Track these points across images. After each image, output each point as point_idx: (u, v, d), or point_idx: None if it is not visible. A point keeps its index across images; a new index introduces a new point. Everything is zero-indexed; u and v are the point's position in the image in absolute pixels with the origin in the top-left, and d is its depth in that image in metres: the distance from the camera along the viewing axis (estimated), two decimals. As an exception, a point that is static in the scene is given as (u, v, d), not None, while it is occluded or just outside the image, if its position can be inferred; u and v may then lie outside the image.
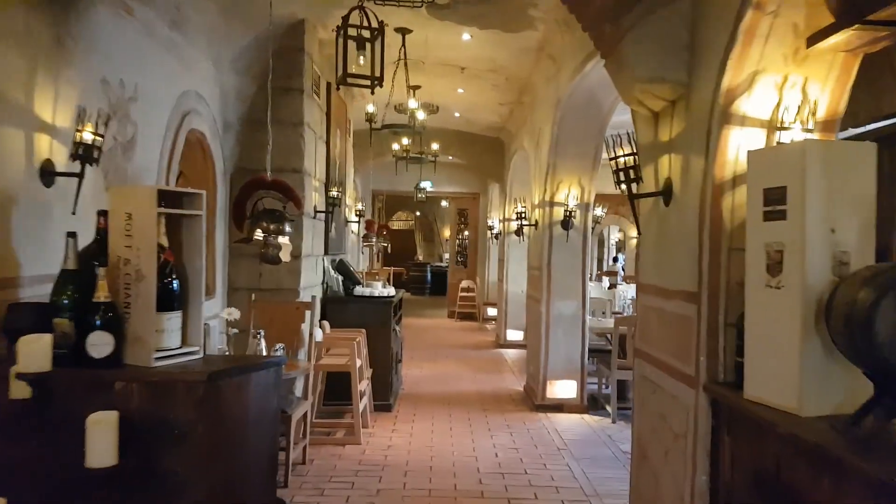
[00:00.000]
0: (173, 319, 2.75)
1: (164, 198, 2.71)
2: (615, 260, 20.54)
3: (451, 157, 13.39)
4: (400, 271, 21.77)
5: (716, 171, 2.59)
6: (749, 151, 2.35)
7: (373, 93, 3.06)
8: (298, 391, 5.19)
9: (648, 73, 2.87)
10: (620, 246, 23.78)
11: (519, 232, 10.43)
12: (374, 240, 9.90)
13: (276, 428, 3.05)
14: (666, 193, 3.00)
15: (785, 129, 2.51)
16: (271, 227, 3.84)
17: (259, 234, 3.84)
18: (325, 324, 5.88)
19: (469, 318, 14.09)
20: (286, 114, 5.33)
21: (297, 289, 5.27)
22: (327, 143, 6.06)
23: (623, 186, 3.15)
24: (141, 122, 4.00)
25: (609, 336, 6.73)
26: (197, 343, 2.89)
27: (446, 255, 19.84)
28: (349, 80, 2.95)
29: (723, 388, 2.48)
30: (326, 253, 6.18)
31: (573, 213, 6.27)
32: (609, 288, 11.06)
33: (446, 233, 20.29)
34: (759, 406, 2.17)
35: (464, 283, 14.06)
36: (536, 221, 6.95)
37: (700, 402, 2.58)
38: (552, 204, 6.41)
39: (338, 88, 3.93)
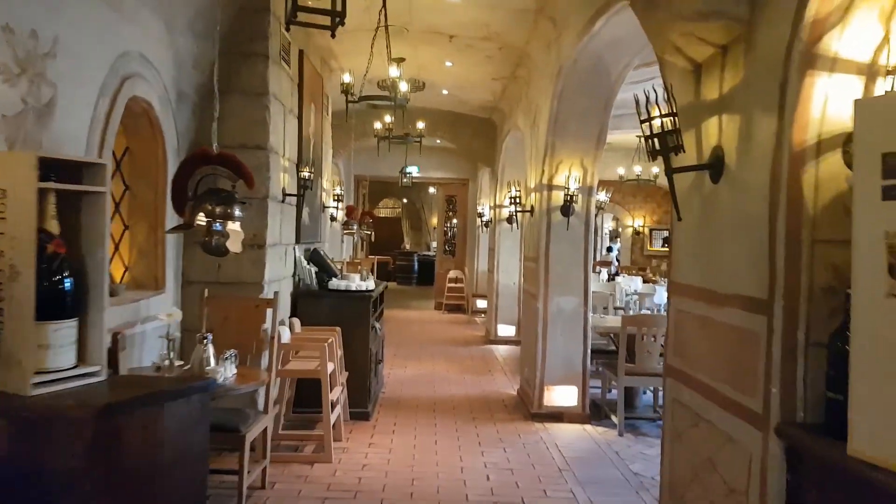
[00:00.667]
0: (63, 331, 2.06)
1: (54, 169, 1.99)
2: (609, 250, 19.96)
3: (438, 141, 12.66)
4: (386, 260, 21.08)
5: (795, 135, 1.90)
6: (857, 102, 1.66)
7: (333, 35, 2.34)
8: (260, 403, 4.49)
9: (697, 7, 2.17)
10: (614, 235, 23.23)
11: (511, 220, 9.75)
12: (355, 227, 9.16)
13: (203, 469, 2.35)
14: (714, 167, 2.31)
15: (893, 73, 1.83)
16: (217, 210, 3.11)
17: (202, 220, 3.12)
18: (295, 322, 5.18)
19: (457, 311, 13.43)
20: (248, 82, 4.59)
21: (261, 282, 4.56)
22: (299, 118, 5.32)
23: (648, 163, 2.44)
24: (63, 83, 3.24)
25: (614, 336, 6.08)
26: (98, 361, 2.19)
27: (434, 244, 19.15)
28: (300, 14, 2.22)
29: (806, 434, 1.81)
30: (298, 242, 5.46)
31: (574, 198, 5.58)
32: (608, 280, 10.43)
33: (434, 221, 19.57)
34: (876, 470, 1.50)
35: (452, 274, 13.39)
36: (532, 207, 6.26)
37: (771, 449, 1.91)
38: (551, 187, 5.72)
39: (287, 29, 3.19)
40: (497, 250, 9.79)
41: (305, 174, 4.92)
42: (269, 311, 4.06)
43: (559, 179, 5.68)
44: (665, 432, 2.79)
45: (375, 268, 11.50)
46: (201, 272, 4.52)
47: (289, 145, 5.04)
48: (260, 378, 3.49)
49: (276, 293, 4.12)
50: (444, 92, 8.51)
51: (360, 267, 10.12)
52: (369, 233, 11.18)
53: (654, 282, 10.68)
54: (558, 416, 5.79)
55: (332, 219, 12.73)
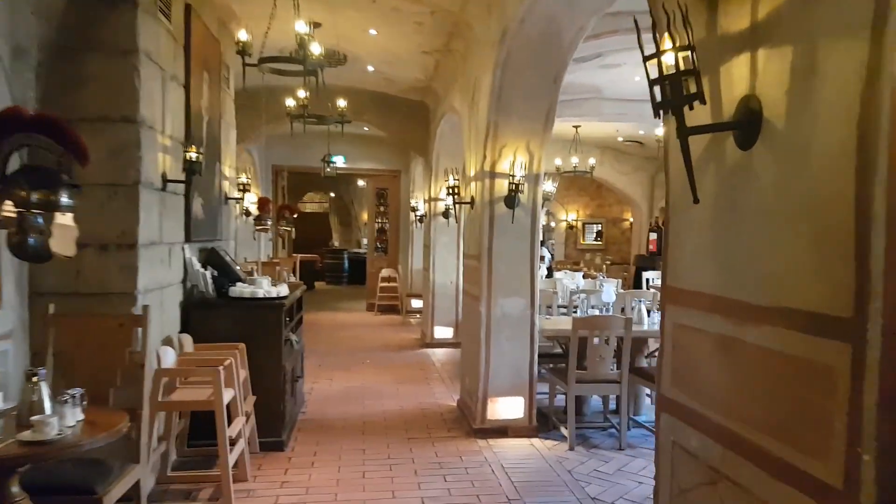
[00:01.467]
0: None
1: None
2: (541, 244, 19.60)
3: (366, 128, 11.77)
4: (313, 259, 19.95)
5: (901, 64, 1.21)
6: None
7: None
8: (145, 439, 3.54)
9: None
10: (547, 229, 22.90)
11: (447, 214, 9.02)
12: (269, 223, 8.18)
13: None
14: (746, 126, 1.60)
15: None
16: (34, 196, 2.20)
17: (11, 210, 2.19)
18: (185, 340, 4.23)
19: (391, 312, 12.59)
20: (113, 36, 3.60)
21: (133, 293, 3.59)
22: (186, 87, 4.35)
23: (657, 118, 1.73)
24: None
25: (561, 340, 5.42)
26: None
27: (365, 241, 18.19)
28: None
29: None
30: (189, 240, 4.49)
31: (520, 187, 4.88)
32: (546, 276, 9.86)
33: (365, 216, 18.60)
34: None
35: (384, 272, 12.53)
36: (472, 198, 5.52)
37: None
38: (493, 175, 4.99)
39: None
40: (432, 247, 9.02)
41: (193, 156, 3.97)
42: (138, 331, 3.14)
43: (503, 166, 4.97)
44: (659, 485, 2.09)
45: (298, 268, 10.53)
46: (55, 281, 3.52)
47: (172, 120, 4.07)
48: (117, 426, 2.58)
49: (145, 307, 3.19)
50: (370, 69, 7.65)
51: (278, 268, 9.15)
52: (289, 229, 10.20)
53: (593, 277, 10.22)
54: (503, 430, 5.10)
55: (247, 213, 11.65)
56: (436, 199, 8.94)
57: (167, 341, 3.96)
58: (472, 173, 5.47)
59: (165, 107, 3.98)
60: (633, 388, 5.27)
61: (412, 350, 8.81)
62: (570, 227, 16.83)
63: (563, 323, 5.30)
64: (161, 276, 3.96)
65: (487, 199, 5.01)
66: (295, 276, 10.39)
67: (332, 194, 20.28)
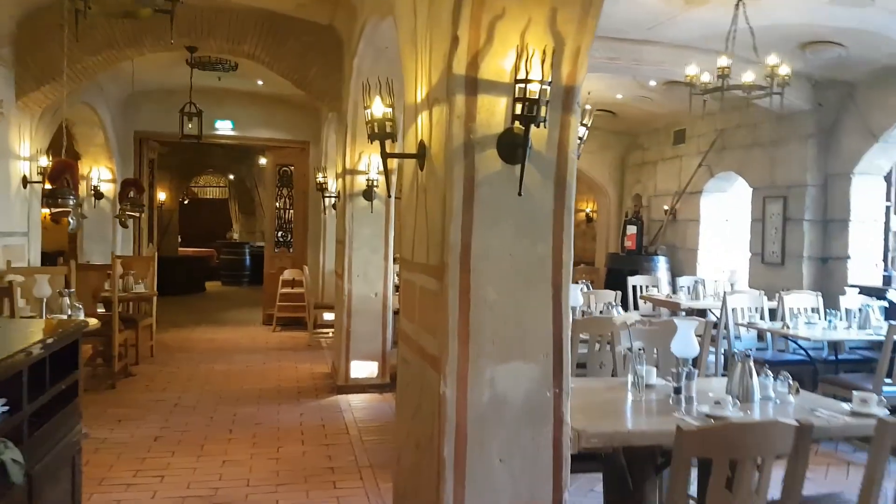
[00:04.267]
0: None
1: None
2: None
3: (260, 82, 8.70)
4: (208, 253, 16.52)
5: None
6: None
7: None
8: None
9: None
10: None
11: (370, 192, 6.16)
12: (72, 202, 5.03)
13: None
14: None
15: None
16: None
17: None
18: None
19: (295, 326, 9.57)
20: None
21: None
22: None
23: None
24: None
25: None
26: None
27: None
28: None
29: None
30: None
31: (537, 111, 2.13)
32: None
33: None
34: None
35: (287, 275, 9.48)
36: (423, 145, 2.70)
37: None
38: (476, 85, 2.21)
39: None
40: (348, 243, 6.10)
41: None
42: None
43: (499, 65, 2.19)
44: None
45: (155, 270, 7.36)
46: None
47: None
48: None
49: None
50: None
51: (130, 271, 6.03)
52: (137, 214, 7.03)
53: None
54: None
55: (97, 195, 8.33)
56: (353, 172, 6.05)
57: None
58: (423, 93, 2.63)
59: None
60: None
61: (317, 399, 5.88)
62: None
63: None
64: None
65: (461, 141, 2.21)
66: (148, 281, 7.22)
67: (232, 176, 16.85)
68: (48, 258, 7.89)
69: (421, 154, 2.64)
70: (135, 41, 5.54)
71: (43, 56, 5.30)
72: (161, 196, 14.22)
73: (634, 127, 10.24)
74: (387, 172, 2.78)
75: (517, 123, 2.12)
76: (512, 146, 2.20)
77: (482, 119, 2.22)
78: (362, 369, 6.13)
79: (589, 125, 3.33)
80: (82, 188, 8.70)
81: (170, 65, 7.33)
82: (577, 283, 7.44)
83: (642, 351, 3.10)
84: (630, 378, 2.80)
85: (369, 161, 5.96)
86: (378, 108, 2.58)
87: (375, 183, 5.95)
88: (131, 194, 6.83)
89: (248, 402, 5.68)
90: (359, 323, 6.12)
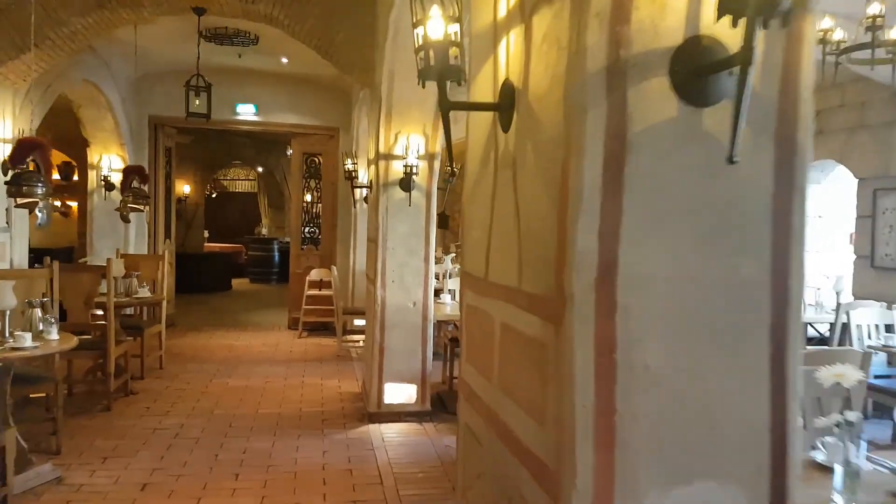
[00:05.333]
0: None
1: None
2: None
3: (284, 60, 7.77)
4: (237, 249, 15.78)
5: None
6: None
7: None
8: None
9: None
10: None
11: (407, 181, 5.15)
12: (40, 190, 4.11)
13: None
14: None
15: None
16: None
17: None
18: None
19: (322, 332, 8.66)
20: None
21: None
22: None
23: None
24: None
25: None
26: None
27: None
28: None
29: None
30: None
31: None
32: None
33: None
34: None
35: (314, 275, 8.56)
36: (508, 88, 1.67)
37: None
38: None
39: None
40: (381, 242, 5.09)
41: None
42: None
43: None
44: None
45: (165, 270, 6.46)
46: None
47: None
48: None
49: None
50: None
51: (127, 273, 5.16)
52: (140, 208, 6.16)
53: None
54: None
55: (107, 186, 7.52)
56: (388, 157, 5.04)
57: None
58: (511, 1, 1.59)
59: None
60: None
61: (344, 430, 4.89)
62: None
63: None
64: None
65: (601, 64, 1.16)
66: (160, 283, 6.35)
67: (261, 168, 16.06)
68: (59, 256, 7.09)
69: (506, 104, 1.59)
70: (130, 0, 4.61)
71: (20, 15, 4.41)
72: (185, 189, 13.48)
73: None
74: (449, 138, 1.73)
75: (723, 19, 1.05)
76: (704, 70, 1.14)
77: (643, 18, 1.16)
78: (398, 393, 5.13)
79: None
80: (91, 177, 7.91)
81: (181, 39, 6.43)
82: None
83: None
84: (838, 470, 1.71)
85: (407, 143, 4.94)
86: (436, 24, 1.54)
87: (415, 170, 4.93)
88: (134, 183, 5.96)
89: (262, 432, 4.73)
90: (394, 338, 5.12)
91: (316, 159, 9.12)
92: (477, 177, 1.92)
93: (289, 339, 8.40)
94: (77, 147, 7.76)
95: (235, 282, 14.03)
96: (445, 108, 1.63)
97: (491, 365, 1.72)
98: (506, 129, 1.65)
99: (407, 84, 4.70)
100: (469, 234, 2.01)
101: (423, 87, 1.67)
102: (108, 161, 7.76)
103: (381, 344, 5.10)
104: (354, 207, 8.38)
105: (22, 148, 3.93)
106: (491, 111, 1.74)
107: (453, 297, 6.12)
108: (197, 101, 5.30)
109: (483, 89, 1.83)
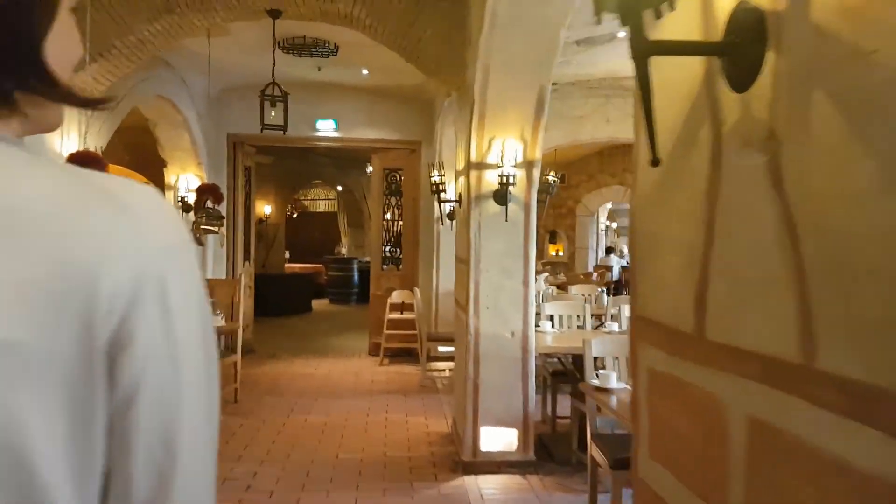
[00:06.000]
0: None
1: None
2: (609, 251, 14.84)
3: (365, 71, 7.36)
4: (317, 270, 15.63)
5: None
6: None
7: None
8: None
9: None
10: (612, 230, 18.23)
11: (503, 193, 4.50)
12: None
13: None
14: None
15: None
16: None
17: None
18: None
19: (405, 359, 8.10)
20: None
21: None
22: None
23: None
24: None
25: None
26: None
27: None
28: None
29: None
30: None
31: None
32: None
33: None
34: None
35: (395, 297, 8.03)
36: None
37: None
38: None
39: None
40: (473, 263, 4.44)
41: None
42: None
43: None
44: None
45: (242, 294, 6.08)
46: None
47: None
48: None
49: None
50: None
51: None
52: (215, 229, 5.80)
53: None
54: None
55: (184, 207, 7.29)
56: (481, 166, 4.40)
57: None
58: None
59: None
60: None
61: (436, 482, 4.22)
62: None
63: None
64: None
65: None
66: (236, 309, 5.98)
67: (340, 188, 15.89)
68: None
69: (743, 41, 0.89)
70: (200, 2, 4.23)
71: (83, 23, 4.12)
72: (266, 209, 13.42)
73: None
74: (649, 105, 1.02)
75: None
76: None
77: None
78: (496, 439, 4.43)
79: None
80: (169, 199, 7.73)
81: (258, 49, 6.10)
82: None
83: None
84: None
85: (502, 149, 4.29)
86: None
87: (512, 179, 4.27)
88: (208, 203, 5.62)
89: (342, 482, 4.14)
90: (490, 372, 4.44)
91: (397, 175, 8.64)
92: (666, 170, 1.22)
93: (370, 367, 7.88)
94: (155, 167, 7.59)
95: (315, 303, 13.80)
96: (642, 50, 0.95)
97: (719, 482, 1.00)
98: (741, 85, 0.95)
99: (503, 81, 4.07)
100: (650, 261, 1.31)
101: (599, 22, 0.99)
102: (186, 181, 7.56)
103: (474, 380, 4.43)
104: (438, 224, 7.81)
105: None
106: (708, 56, 1.04)
107: (554, 325, 5.37)
108: (273, 113, 4.87)
109: (682, 25, 1.14)
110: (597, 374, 3.39)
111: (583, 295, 6.86)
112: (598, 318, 6.05)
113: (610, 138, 8.49)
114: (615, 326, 5.16)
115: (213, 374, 0.61)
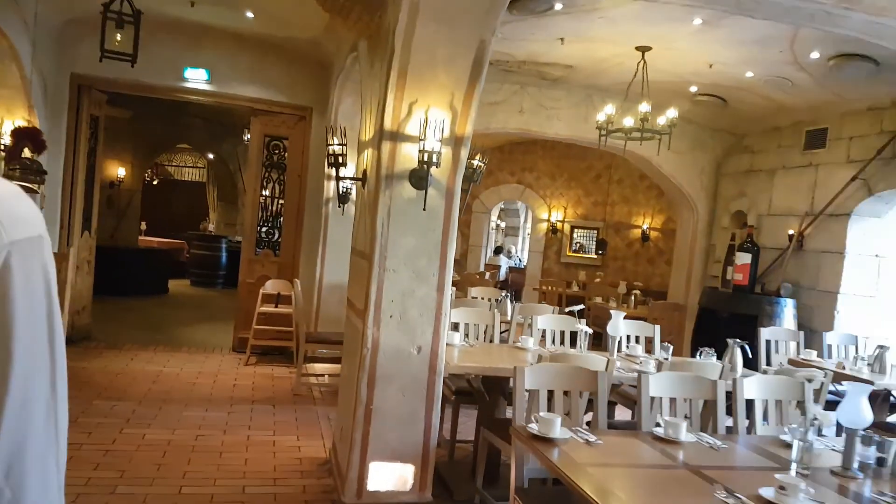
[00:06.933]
0: None
1: None
2: (497, 251, 14.46)
3: (249, 14, 6.18)
4: (178, 246, 13.87)
5: None
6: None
7: None
8: None
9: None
10: (506, 231, 17.95)
11: (422, 176, 3.63)
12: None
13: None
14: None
15: None
16: None
17: None
18: None
19: (278, 359, 7.01)
20: None
21: None
22: None
23: None
24: None
25: None
26: None
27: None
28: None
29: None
30: None
31: None
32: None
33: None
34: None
35: (270, 287, 6.88)
36: None
37: None
38: None
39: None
40: (378, 258, 3.53)
41: None
42: None
43: None
44: None
45: (89, 270, 4.73)
46: None
47: None
48: None
49: None
50: None
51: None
52: (34, 186, 4.40)
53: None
54: None
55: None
56: (398, 137, 3.49)
57: None
58: None
59: None
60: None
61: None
62: (554, 230, 11.80)
63: None
64: None
65: None
66: (64, 292, 4.63)
67: (211, 156, 14.18)
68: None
69: None
70: None
71: None
72: (121, 172, 11.57)
73: (742, 124, 7.80)
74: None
75: None
76: None
77: None
78: (388, 476, 3.58)
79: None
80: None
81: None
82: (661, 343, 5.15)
83: None
84: None
85: (425, 119, 3.40)
86: None
87: (435, 158, 3.41)
88: (25, 153, 4.25)
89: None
90: (387, 396, 3.57)
91: (280, 144, 7.47)
92: None
93: (232, 366, 6.70)
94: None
95: (173, 283, 12.13)
96: None
97: None
98: None
99: (435, 30, 3.21)
100: None
101: None
102: (10, 127, 5.94)
103: (366, 405, 3.54)
104: (327, 207, 6.79)
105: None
106: None
107: (460, 336, 4.55)
108: (119, 36, 3.63)
109: None
110: (535, 418, 2.63)
111: (487, 299, 6.17)
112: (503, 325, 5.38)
113: (520, 130, 7.89)
114: (530, 342, 4.46)
115: None
